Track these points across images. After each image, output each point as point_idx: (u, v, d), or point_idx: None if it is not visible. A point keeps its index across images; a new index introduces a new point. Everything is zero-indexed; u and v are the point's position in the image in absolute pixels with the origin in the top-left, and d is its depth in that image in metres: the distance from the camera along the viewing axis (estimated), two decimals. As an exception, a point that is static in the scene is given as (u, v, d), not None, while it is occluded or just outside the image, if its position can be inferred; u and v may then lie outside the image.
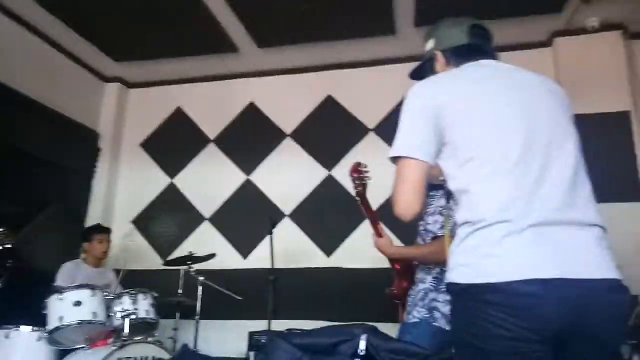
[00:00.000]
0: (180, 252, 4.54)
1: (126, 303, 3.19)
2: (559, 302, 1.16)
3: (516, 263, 1.18)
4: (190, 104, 5.18)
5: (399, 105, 1.43)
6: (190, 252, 3.87)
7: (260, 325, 3.61)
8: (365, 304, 3.73)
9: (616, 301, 1.22)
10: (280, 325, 3.43)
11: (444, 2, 3.49)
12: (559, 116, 1.37)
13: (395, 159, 1.39)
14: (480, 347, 1.20)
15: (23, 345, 3.03)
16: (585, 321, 1.18)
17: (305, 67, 4.87)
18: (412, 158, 1.34)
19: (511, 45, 4.18)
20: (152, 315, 3.28)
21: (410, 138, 1.37)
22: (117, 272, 3.94)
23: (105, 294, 3.17)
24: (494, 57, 1.51)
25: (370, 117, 4.66)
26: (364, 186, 2.36)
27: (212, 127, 5.06)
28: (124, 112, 5.32)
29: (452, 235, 1.37)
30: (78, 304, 2.97)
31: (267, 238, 3.65)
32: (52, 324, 2.95)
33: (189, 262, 3.82)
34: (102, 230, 4.02)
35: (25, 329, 3.04)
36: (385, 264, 2.44)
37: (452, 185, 1.36)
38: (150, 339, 3.17)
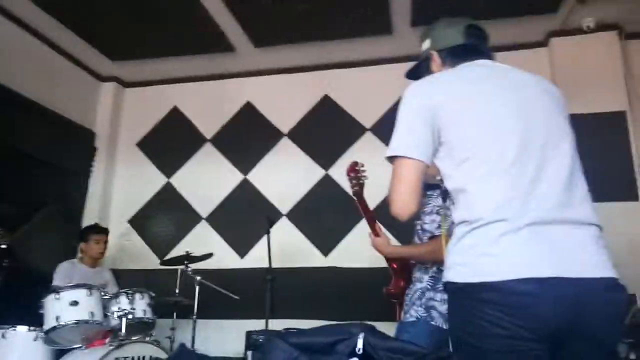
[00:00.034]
0: (177, 251, 4.53)
1: (123, 302, 3.18)
2: (555, 301, 1.16)
3: (513, 262, 1.19)
4: (186, 103, 5.17)
5: (396, 105, 1.43)
6: (187, 251, 3.87)
7: (257, 324, 3.61)
8: (363, 303, 3.74)
9: (613, 300, 1.23)
10: (277, 324, 3.43)
11: (440, 2, 3.50)
12: (555, 116, 1.38)
13: (391, 159, 1.39)
14: (476, 345, 1.21)
15: (19, 345, 3.02)
16: (582, 320, 1.18)
17: (302, 66, 4.87)
18: (408, 157, 1.35)
19: (507, 45, 4.20)
20: (149, 314, 3.28)
21: (407, 137, 1.37)
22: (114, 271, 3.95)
23: (102, 293, 3.16)
24: (489, 57, 1.51)
25: (367, 117, 4.67)
26: (361, 185, 2.36)
27: (208, 127, 5.05)
28: (120, 111, 5.30)
29: (449, 235, 1.38)
30: (74, 303, 2.97)
31: (264, 237, 3.65)
32: (49, 323, 2.94)
33: (186, 262, 3.82)
34: (100, 231, 4.00)
35: (22, 329, 3.03)
36: (382, 263, 2.45)
37: (448, 185, 1.36)
38: (147, 339, 3.17)
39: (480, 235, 1.24)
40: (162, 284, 3.92)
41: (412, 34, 4.19)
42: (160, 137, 5.16)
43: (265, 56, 4.76)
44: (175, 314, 3.81)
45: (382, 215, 2.05)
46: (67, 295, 2.99)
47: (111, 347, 2.87)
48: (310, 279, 4.33)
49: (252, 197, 4.75)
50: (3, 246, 3.17)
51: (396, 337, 1.99)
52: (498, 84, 1.40)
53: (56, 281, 3.57)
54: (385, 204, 1.40)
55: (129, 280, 4.03)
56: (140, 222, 4.96)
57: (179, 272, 3.87)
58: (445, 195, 1.96)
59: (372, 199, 2.41)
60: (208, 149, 5.00)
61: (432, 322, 2.03)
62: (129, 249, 4.84)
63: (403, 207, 1.36)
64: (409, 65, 1.70)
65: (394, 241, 2.41)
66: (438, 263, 2.06)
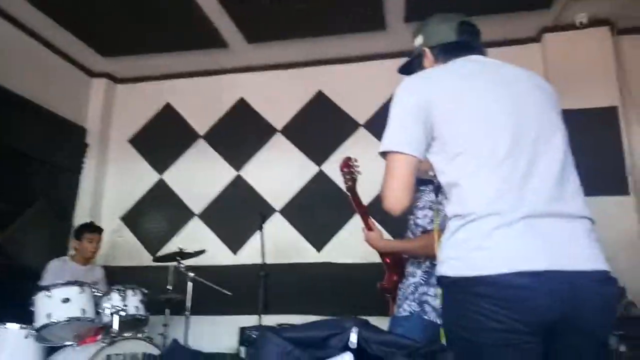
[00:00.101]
0: (169, 248, 4.51)
1: (115, 299, 3.17)
2: (550, 294, 1.17)
3: (507, 255, 1.19)
4: (178, 99, 5.14)
5: (389, 101, 1.44)
6: (180, 248, 3.86)
7: (251, 320, 3.62)
8: (356, 298, 3.75)
9: (605, 292, 1.24)
10: (270, 320, 3.44)
11: (434, -3, 3.50)
12: (547, 111, 1.38)
13: (384, 154, 1.39)
14: (471, 339, 1.21)
15: (11, 343, 2.99)
16: (575, 312, 1.19)
17: (295, 62, 4.86)
18: (401, 153, 1.35)
19: (500, 40, 4.22)
20: (141, 311, 3.27)
21: (399, 133, 1.37)
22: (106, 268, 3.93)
23: (93, 290, 3.15)
24: (482, 53, 1.52)
25: (361, 112, 4.67)
26: (354, 180, 2.36)
27: (201, 123, 5.03)
28: (112, 107, 5.27)
29: (442, 229, 1.38)
30: (66, 300, 2.95)
31: (258, 233, 3.65)
32: (40, 320, 2.92)
33: (179, 258, 3.81)
34: (94, 230, 3.97)
35: (13, 326, 3.01)
36: (375, 258, 2.45)
37: (441, 179, 1.37)
38: (139, 335, 3.15)
39: (474, 229, 1.24)
40: (154, 280, 3.91)
41: (405, 30, 4.19)
42: (153, 134, 5.13)
43: (258, 52, 4.74)
44: (168, 311, 3.80)
45: (375, 210, 2.05)
46: (59, 293, 2.97)
47: (103, 344, 2.86)
48: (303, 274, 4.34)
49: (245, 193, 4.74)
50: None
51: (389, 331, 1.99)
52: (490, 79, 1.40)
53: (45, 279, 3.54)
54: (378, 199, 1.40)
55: (121, 277, 4.01)
56: (132, 218, 4.94)
57: (172, 268, 3.86)
58: (438, 190, 1.97)
59: (366, 194, 2.41)
60: (201, 146, 4.98)
61: (425, 317, 2.03)
62: (122, 245, 4.82)
63: (396, 202, 1.36)
64: (403, 61, 1.70)
65: (387, 236, 2.41)
66: (431, 258, 2.07)
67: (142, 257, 4.71)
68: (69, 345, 2.99)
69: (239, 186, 4.79)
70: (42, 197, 4.44)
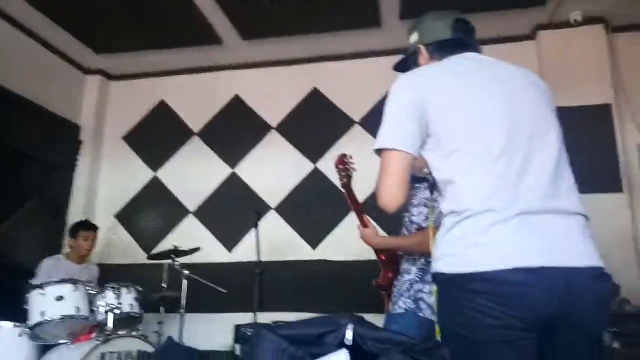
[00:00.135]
0: (164, 245, 4.50)
1: (109, 297, 3.16)
2: (546, 290, 1.17)
3: (503, 252, 1.20)
4: (173, 96, 5.12)
5: (384, 98, 1.44)
6: (175, 245, 3.84)
7: (246, 317, 3.61)
8: (351, 296, 3.75)
9: (599, 288, 1.25)
10: (266, 317, 3.43)
11: (429, -6, 3.49)
12: (542, 108, 1.39)
13: (379, 151, 1.39)
14: (467, 336, 1.22)
15: (4, 341, 2.98)
16: (570, 308, 1.20)
17: (291, 59, 4.85)
18: (395, 150, 1.35)
19: (495, 38, 4.22)
20: (135, 309, 3.26)
21: (394, 130, 1.38)
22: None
23: (87, 288, 3.13)
24: (476, 51, 1.52)
25: (356, 110, 4.66)
26: (349, 177, 2.36)
27: (195, 120, 5.01)
28: (106, 104, 5.23)
29: (437, 226, 1.38)
30: (60, 298, 2.94)
31: (253, 231, 3.64)
32: (34, 319, 2.90)
33: (173, 256, 3.79)
34: (89, 227, 3.95)
35: (6, 324, 2.99)
36: (370, 255, 2.45)
37: (437, 176, 1.37)
38: (134, 333, 3.15)
39: (470, 225, 1.24)
40: (149, 278, 3.90)
41: (400, 27, 4.18)
42: (147, 131, 5.11)
43: (253, 49, 4.72)
44: (162, 309, 3.79)
45: (370, 207, 2.05)
46: (52, 290, 2.96)
47: (97, 342, 2.85)
48: (298, 272, 4.34)
49: (240, 190, 4.73)
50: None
51: (385, 328, 2.00)
52: (485, 76, 1.41)
53: (38, 278, 3.52)
54: (373, 197, 1.41)
55: (115, 275, 4.00)
56: (126, 216, 4.92)
57: (166, 266, 3.85)
58: (433, 187, 1.97)
59: (361, 191, 2.41)
60: (195, 143, 4.96)
61: (420, 314, 2.04)
62: (116, 243, 4.80)
63: (390, 199, 1.36)
64: (398, 58, 1.70)
65: (382, 233, 2.42)
66: (426, 255, 2.07)
67: (137, 255, 4.69)
68: (63, 343, 2.97)
69: (233, 183, 4.78)
70: (36, 194, 4.41)
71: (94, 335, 3.03)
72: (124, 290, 3.23)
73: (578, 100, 4.00)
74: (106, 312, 3.08)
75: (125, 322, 3.26)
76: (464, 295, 1.22)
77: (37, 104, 4.46)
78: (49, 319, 2.88)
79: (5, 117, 4.11)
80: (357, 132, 4.60)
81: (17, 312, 2.99)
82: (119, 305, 3.14)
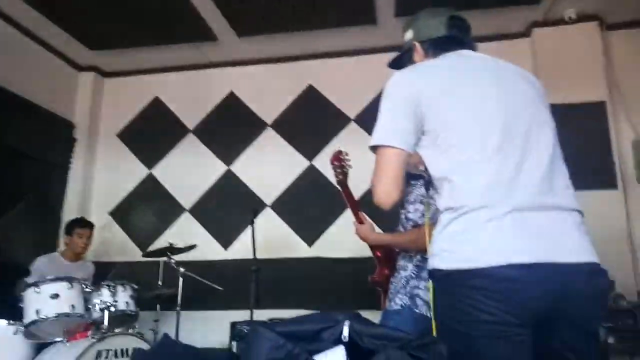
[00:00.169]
0: (159, 243, 4.49)
1: (105, 295, 3.15)
2: (542, 286, 1.18)
3: (499, 248, 1.20)
4: (167, 93, 5.10)
5: (380, 95, 1.44)
6: (170, 243, 3.83)
7: (242, 315, 3.61)
8: (347, 293, 3.76)
9: (595, 284, 1.25)
10: (262, 315, 3.44)
11: (424, -8, 3.49)
12: (536, 105, 1.40)
13: (374, 148, 1.39)
14: (463, 331, 1.22)
15: (-1, 339, 2.97)
16: (566, 304, 1.20)
17: (286, 56, 4.84)
18: (391, 147, 1.35)
19: (490, 35, 4.23)
20: (131, 307, 3.25)
21: (390, 127, 1.38)
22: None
23: (83, 286, 3.12)
24: (471, 48, 1.53)
25: (351, 107, 4.66)
26: (345, 174, 2.36)
27: (190, 117, 5.00)
28: (100, 101, 5.21)
29: (433, 223, 1.39)
30: (55, 296, 2.92)
31: (249, 228, 3.63)
32: (29, 317, 2.89)
33: (169, 253, 3.78)
34: (84, 225, 3.93)
35: (1, 323, 2.98)
36: (366, 252, 2.46)
37: (432, 173, 1.37)
38: (130, 331, 3.14)
39: (466, 221, 1.25)
40: (145, 276, 3.89)
41: (395, 24, 4.18)
42: (142, 128, 5.09)
43: (248, 46, 4.71)
44: (158, 306, 3.78)
45: (366, 204, 2.06)
46: (48, 288, 2.95)
47: (93, 340, 2.84)
48: (295, 269, 4.34)
49: (235, 188, 4.72)
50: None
51: (381, 324, 2.00)
52: (479, 73, 1.41)
53: (32, 276, 3.50)
54: (369, 193, 1.41)
55: (111, 272, 3.98)
56: (121, 214, 4.90)
57: (162, 264, 3.84)
58: (428, 185, 1.98)
59: (357, 188, 2.41)
60: (191, 140, 4.95)
61: (417, 310, 2.04)
62: (111, 241, 4.79)
63: (385, 196, 1.36)
64: (393, 55, 1.70)
65: (378, 230, 2.42)
66: (422, 251, 2.08)
67: (132, 253, 4.68)
68: (58, 342, 2.96)
69: (229, 181, 4.77)
70: (30, 192, 4.39)
71: (89, 333, 3.02)
72: (119, 288, 3.22)
73: (573, 98, 4.02)
74: (102, 310, 3.07)
75: (121, 320, 3.26)
76: (460, 291, 1.22)
77: (31, 101, 4.43)
78: (44, 317, 2.87)
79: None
80: (352, 129, 4.61)
81: (12, 310, 2.98)
82: (114, 303, 3.13)
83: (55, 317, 2.89)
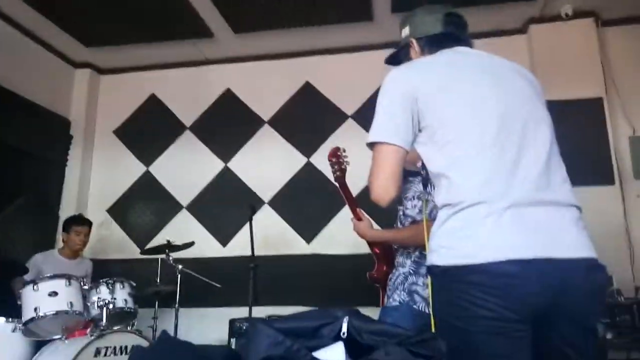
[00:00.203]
0: (157, 240, 4.49)
1: (103, 292, 3.15)
2: (540, 282, 1.18)
3: (497, 244, 1.20)
4: (164, 90, 5.09)
5: (377, 91, 1.44)
6: (168, 240, 3.83)
7: (240, 312, 3.62)
8: (346, 290, 3.76)
9: (593, 279, 1.26)
10: (260, 311, 3.45)
11: (421, -12, 3.49)
12: (533, 101, 1.40)
13: (371, 145, 1.39)
14: (462, 327, 1.22)
15: (-3, 337, 2.96)
16: (565, 299, 1.21)
17: (282, 53, 4.83)
18: (388, 143, 1.35)
19: (487, 32, 4.23)
20: (130, 304, 3.25)
21: (387, 123, 1.38)
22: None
23: (81, 283, 3.12)
24: (468, 45, 1.53)
25: (349, 103, 4.66)
26: (343, 171, 2.36)
27: (187, 114, 4.99)
28: (96, 98, 5.20)
29: (432, 219, 1.39)
30: (53, 294, 2.92)
31: (247, 225, 3.63)
32: (27, 314, 2.88)
33: (167, 251, 3.78)
34: (82, 222, 3.93)
35: (-1, 320, 2.98)
36: (365, 249, 2.46)
37: (430, 168, 1.38)
38: (128, 328, 3.15)
39: (464, 217, 1.25)
40: (143, 273, 3.89)
41: (392, 21, 4.17)
42: (138, 125, 5.08)
43: (245, 42, 4.70)
44: (157, 303, 3.78)
45: (364, 201, 2.06)
46: (46, 286, 2.94)
47: (92, 338, 2.84)
48: (293, 266, 4.34)
49: (233, 185, 4.72)
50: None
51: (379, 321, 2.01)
52: (476, 69, 1.41)
53: (29, 274, 3.49)
54: (367, 190, 1.41)
55: (109, 270, 3.98)
56: (119, 211, 4.90)
57: (160, 261, 3.84)
58: (426, 181, 1.98)
59: (355, 185, 2.41)
60: (188, 137, 4.94)
61: (415, 306, 2.05)
62: (109, 238, 4.78)
63: (383, 192, 1.37)
64: (390, 51, 1.70)
65: (376, 227, 2.42)
66: (420, 247, 2.08)
67: (130, 250, 4.67)
68: (57, 339, 2.96)
69: (226, 178, 4.76)
70: (26, 190, 4.37)
71: (88, 330, 3.02)
72: (117, 286, 3.22)
73: (570, 94, 4.03)
74: (100, 307, 3.07)
75: (120, 317, 3.26)
76: (458, 287, 1.22)
77: (26, 98, 4.41)
78: (43, 314, 2.86)
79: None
80: (350, 126, 4.60)
81: (10, 308, 2.97)
82: (112, 301, 3.13)
83: (54, 314, 2.89)
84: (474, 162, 1.28)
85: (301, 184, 4.60)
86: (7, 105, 4.22)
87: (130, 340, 3.00)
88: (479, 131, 1.30)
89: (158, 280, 3.80)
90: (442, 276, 1.28)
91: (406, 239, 2.16)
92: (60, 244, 4.02)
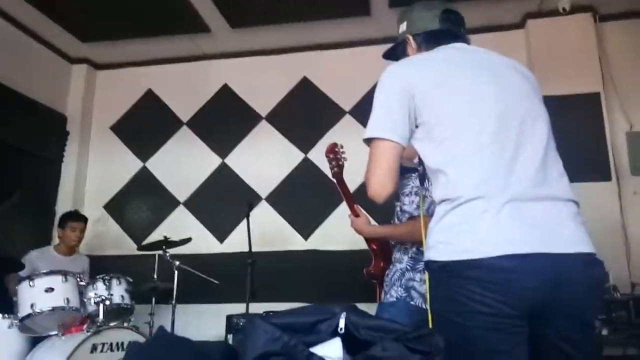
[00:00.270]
0: (154, 236, 4.48)
1: (100, 288, 3.15)
2: (538, 276, 1.18)
3: (495, 239, 1.20)
4: (161, 85, 5.06)
5: (375, 87, 1.43)
6: (165, 236, 3.82)
7: (238, 308, 3.61)
8: (343, 286, 3.76)
9: (591, 274, 1.26)
10: (258, 307, 3.44)
11: (419, -17, 3.47)
12: (530, 97, 1.40)
13: (368, 141, 1.39)
14: (460, 323, 1.22)
15: (-7, 333, 2.95)
16: (562, 294, 1.21)
17: (280, 48, 4.81)
18: (385, 139, 1.35)
19: (484, 27, 4.22)
20: (126, 300, 3.25)
21: (384, 119, 1.38)
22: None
23: (78, 279, 3.11)
24: (465, 42, 1.53)
25: (346, 99, 4.65)
26: (340, 166, 2.36)
27: (184, 109, 4.97)
28: (92, 94, 5.17)
29: (430, 215, 1.39)
30: (50, 290, 2.91)
31: (244, 221, 3.63)
32: (24, 310, 2.88)
33: (164, 247, 3.77)
34: (78, 218, 3.91)
35: (-4, 317, 2.97)
36: (362, 245, 2.46)
37: (428, 164, 1.37)
38: (125, 324, 3.14)
39: (462, 213, 1.25)
40: (140, 269, 3.88)
41: (390, 16, 4.16)
42: (135, 121, 5.06)
43: (242, 37, 4.68)
44: (154, 299, 3.77)
45: (361, 197, 2.06)
46: (42, 282, 2.93)
47: (89, 334, 2.84)
48: (290, 262, 4.34)
49: (230, 181, 4.71)
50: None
51: (377, 317, 2.01)
52: (473, 65, 1.41)
53: (25, 270, 3.48)
54: (364, 186, 1.40)
55: (106, 266, 3.98)
56: (116, 207, 4.88)
57: (157, 257, 3.83)
58: (423, 177, 1.98)
59: (352, 181, 2.41)
60: (185, 133, 4.93)
61: (412, 302, 2.05)
62: (106, 234, 4.77)
63: (380, 188, 1.36)
64: (388, 46, 1.69)
65: (373, 223, 2.42)
66: (417, 243, 2.08)
67: (127, 246, 4.67)
68: (53, 335, 2.96)
69: (224, 174, 4.75)
70: (22, 186, 4.35)
71: (85, 326, 3.02)
72: (114, 282, 3.22)
73: (567, 89, 4.03)
74: (97, 303, 3.07)
75: (116, 313, 3.26)
76: (456, 283, 1.22)
77: (22, 94, 4.39)
78: (39, 310, 2.86)
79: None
80: (347, 122, 4.60)
81: (7, 304, 2.97)
82: (109, 297, 3.13)
83: (50, 310, 2.88)
84: (472, 160, 1.28)
85: (299, 180, 4.59)
86: (2, 100, 4.19)
87: (127, 336, 3.00)
88: (477, 130, 1.30)
89: (155, 277, 3.79)
90: (440, 272, 1.28)
91: (403, 235, 2.17)
92: (56, 240, 4.00)
